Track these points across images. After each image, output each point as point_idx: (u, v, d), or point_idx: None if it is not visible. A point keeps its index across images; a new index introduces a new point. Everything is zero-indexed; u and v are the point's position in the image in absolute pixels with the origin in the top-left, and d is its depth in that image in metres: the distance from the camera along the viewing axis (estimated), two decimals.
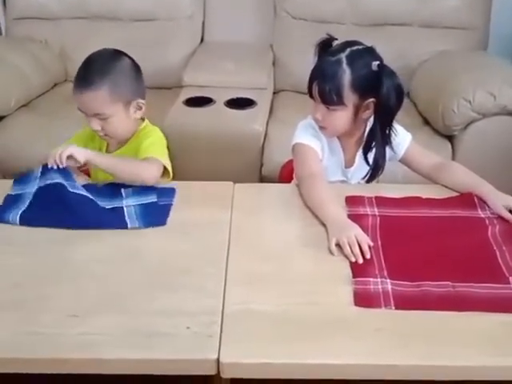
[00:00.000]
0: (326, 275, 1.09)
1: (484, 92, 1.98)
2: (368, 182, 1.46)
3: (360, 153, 1.44)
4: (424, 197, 1.34)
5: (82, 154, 1.28)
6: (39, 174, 1.30)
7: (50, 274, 1.10)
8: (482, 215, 1.28)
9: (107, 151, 1.47)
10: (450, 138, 2.09)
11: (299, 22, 2.51)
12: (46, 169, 1.29)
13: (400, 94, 1.32)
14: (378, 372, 0.92)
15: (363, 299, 1.02)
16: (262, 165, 2.07)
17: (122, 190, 1.32)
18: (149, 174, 1.32)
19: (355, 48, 1.34)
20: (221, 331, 0.95)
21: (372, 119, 1.38)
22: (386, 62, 1.34)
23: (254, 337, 0.95)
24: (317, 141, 1.41)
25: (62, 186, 1.24)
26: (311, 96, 1.38)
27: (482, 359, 0.92)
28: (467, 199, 1.33)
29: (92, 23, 2.56)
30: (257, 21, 2.64)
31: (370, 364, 0.91)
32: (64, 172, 1.27)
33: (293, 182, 1.54)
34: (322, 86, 1.33)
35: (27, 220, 1.23)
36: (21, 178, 1.36)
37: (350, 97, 1.33)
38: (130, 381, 0.98)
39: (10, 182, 1.37)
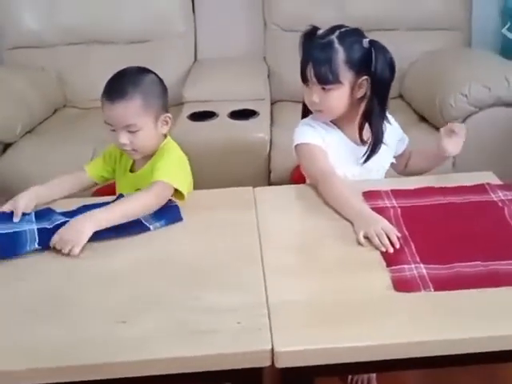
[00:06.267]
0: (359, 263, 1.12)
1: (479, 85, 2.04)
2: (367, 159, 1.46)
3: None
4: (436, 186, 1.38)
5: (88, 233, 1.19)
6: (33, 218, 1.29)
7: (90, 283, 1.11)
8: (495, 198, 1.32)
9: (132, 171, 1.48)
10: None
11: (290, 33, 2.56)
12: (40, 212, 1.30)
13: (392, 66, 1.39)
14: (435, 348, 0.95)
15: (403, 285, 1.05)
16: (270, 172, 2.11)
17: None
18: (152, 203, 1.28)
19: (343, 29, 1.40)
20: (270, 323, 0.97)
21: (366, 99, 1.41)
22: None
23: (304, 326, 0.97)
24: (316, 134, 1.44)
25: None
26: (305, 81, 1.41)
27: None
28: (478, 186, 1.37)
29: (87, 48, 2.58)
30: (247, 35, 2.69)
31: (427, 341, 0.94)
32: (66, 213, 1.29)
33: (306, 183, 1.58)
34: (318, 67, 1.37)
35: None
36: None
37: (345, 74, 1.37)
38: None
39: None
